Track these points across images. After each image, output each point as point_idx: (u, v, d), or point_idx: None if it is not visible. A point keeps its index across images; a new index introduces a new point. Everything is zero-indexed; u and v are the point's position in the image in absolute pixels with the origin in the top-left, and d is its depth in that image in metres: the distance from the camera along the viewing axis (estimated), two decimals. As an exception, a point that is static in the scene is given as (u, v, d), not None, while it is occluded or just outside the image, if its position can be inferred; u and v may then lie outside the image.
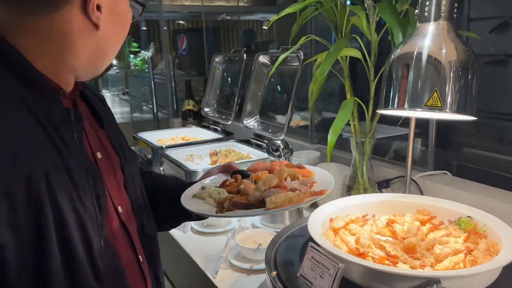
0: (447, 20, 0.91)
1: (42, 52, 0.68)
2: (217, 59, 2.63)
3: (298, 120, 2.30)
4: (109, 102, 1.26)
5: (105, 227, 0.74)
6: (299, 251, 0.97)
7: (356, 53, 1.30)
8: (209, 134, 2.44)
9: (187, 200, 0.91)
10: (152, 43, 3.90)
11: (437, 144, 1.49)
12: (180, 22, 5.42)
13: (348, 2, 1.32)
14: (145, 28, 4.81)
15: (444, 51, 0.88)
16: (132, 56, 4.83)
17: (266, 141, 1.96)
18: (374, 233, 0.98)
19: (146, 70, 4.10)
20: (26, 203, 0.60)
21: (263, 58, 2.13)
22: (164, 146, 2.13)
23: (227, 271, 1.21)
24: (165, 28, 3.35)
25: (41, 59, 0.68)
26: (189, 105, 2.74)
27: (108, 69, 0.79)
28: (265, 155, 1.80)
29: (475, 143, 1.69)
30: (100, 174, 0.75)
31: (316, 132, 2.02)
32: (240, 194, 0.90)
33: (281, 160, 1.53)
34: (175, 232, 1.46)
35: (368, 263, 0.81)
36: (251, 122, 2.16)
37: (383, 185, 1.46)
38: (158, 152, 2.08)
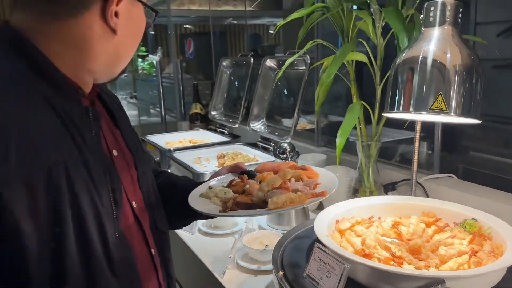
0: (451, 25, 0.92)
1: (63, 54, 0.71)
2: (224, 63, 2.65)
3: (304, 123, 2.31)
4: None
5: (120, 221, 0.76)
6: (305, 252, 0.98)
7: (362, 57, 1.31)
8: (216, 137, 2.45)
9: (194, 199, 0.93)
10: (159, 47, 3.93)
11: (443, 148, 1.48)
12: (188, 26, 5.46)
13: (355, 7, 1.33)
14: (153, 33, 4.85)
15: (448, 55, 0.90)
16: (140, 60, 4.86)
17: (273, 144, 1.97)
18: (380, 235, 0.99)
19: (154, 74, 4.13)
20: (46, 193, 0.62)
21: (270, 62, 2.15)
22: (172, 148, 2.15)
23: (234, 272, 1.22)
24: (172, 32, 3.39)
25: (63, 61, 0.71)
26: (196, 108, 2.76)
27: (123, 72, 0.83)
28: (272, 158, 1.81)
29: (481, 147, 1.68)
30: (116, 170, 0.79)
31: (322, 135, 2.03)
32: (245, 194, 0.92)
33: (288, 162, 1.54)
34: (183, 233, 1.48)
35: (374, 263, 0.82)
36: (258, 125, 2.17)
37: (389, 188, 1.47)
38: (166, 155, 2.10)
